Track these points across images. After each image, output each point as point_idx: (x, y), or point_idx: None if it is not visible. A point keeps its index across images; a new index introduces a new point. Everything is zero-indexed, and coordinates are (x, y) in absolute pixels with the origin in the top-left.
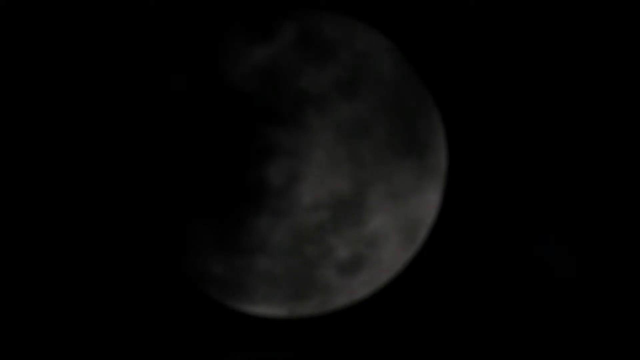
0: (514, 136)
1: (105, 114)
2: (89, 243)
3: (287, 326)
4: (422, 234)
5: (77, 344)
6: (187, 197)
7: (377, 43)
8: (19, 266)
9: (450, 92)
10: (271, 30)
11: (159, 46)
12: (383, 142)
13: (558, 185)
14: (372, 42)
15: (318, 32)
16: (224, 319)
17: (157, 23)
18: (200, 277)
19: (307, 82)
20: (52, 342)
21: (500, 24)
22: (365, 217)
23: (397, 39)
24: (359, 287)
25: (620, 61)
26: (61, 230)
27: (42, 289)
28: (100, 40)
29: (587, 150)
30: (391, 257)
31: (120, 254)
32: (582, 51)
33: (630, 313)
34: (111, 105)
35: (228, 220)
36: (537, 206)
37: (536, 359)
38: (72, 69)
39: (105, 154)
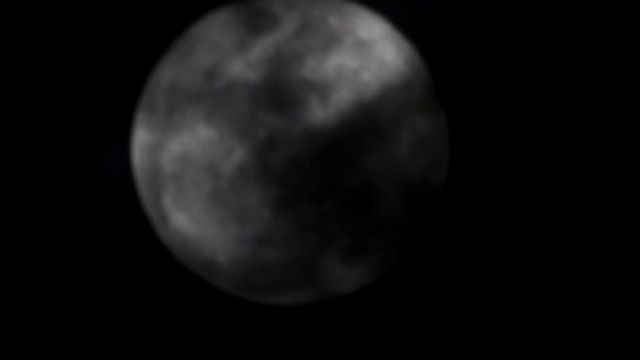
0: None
1: (105, 113)
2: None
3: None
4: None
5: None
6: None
7: (380, 31)
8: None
9: (452, 84)
10: (276, 19)
11: (162, 36)
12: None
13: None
14: (375, 30)
15: (321, 20)
16: (233, 309)
17: (160, 12)
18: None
19: (311, 70)
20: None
21: (500, 22)
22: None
23: (399, 30)
24: None
25: (610, 49)
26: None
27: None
28: (102, 37)
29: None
30: None
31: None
32: (575, 49)
33: None
34: (111, 102)
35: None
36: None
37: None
38: (73, 66)
39: (109, 152)
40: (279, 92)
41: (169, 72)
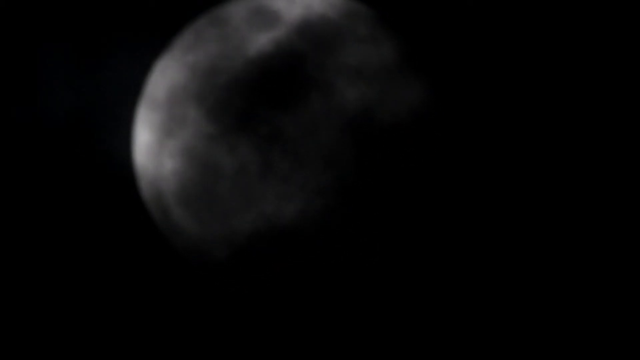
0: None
1: (104, 110)
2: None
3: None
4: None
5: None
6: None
7: (380, 28)
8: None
9: (451, 84)
10: (276, 16)
11: (164, 32)
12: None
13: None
14: (375, 27)
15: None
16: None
17: (162, 8)
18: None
19: (312, 67)
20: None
21: (498, 22)
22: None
23: (398, 29)
24: None
25: (608, 44)
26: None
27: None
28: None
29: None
30: None
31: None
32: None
33: None
34: (112, 99)
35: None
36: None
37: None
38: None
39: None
40: (281, 88)
41: (170, 70)
